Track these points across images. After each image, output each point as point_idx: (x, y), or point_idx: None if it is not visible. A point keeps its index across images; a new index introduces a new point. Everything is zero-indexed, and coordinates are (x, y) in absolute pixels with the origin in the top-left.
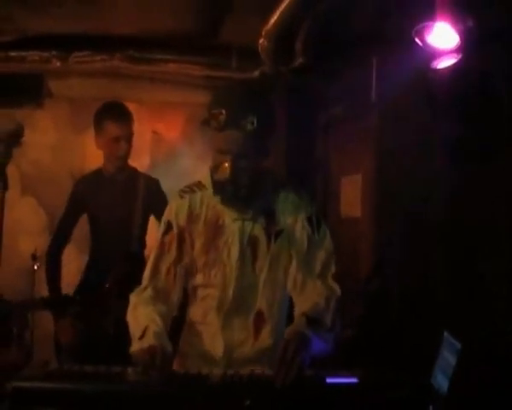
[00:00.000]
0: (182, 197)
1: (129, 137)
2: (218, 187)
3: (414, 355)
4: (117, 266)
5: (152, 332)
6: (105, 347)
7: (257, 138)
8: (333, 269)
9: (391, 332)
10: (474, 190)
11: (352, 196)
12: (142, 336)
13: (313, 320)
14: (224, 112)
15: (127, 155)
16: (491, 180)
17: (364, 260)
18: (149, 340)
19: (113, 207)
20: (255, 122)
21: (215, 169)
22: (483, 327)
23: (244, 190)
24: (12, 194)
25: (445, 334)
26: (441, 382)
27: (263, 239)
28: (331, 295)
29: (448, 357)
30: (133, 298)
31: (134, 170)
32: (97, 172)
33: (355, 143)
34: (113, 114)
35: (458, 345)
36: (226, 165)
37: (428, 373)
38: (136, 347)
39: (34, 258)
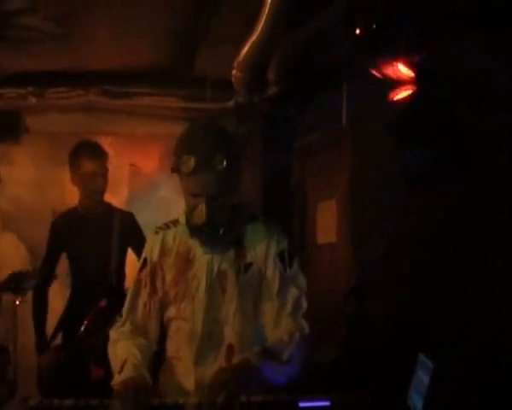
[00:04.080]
0: (157, 233)
1: (104, 173)
2: (196, 230)
3: (394, 377)
4: (96, 300)
5: (130, 365)
6: (87, 379)
7: (228, 175)
8: (304, 307)
9: (371, 354)
10: (445, 213)
11: (327, 222)
12: (120, 370)
13: (267, 351)
14: (193, 157)
15: (103, 190)
16: (456, 203)
17: (343, 285)
18: (127, 373)
19: (90, 244)
20: (224, 161)
21: (190, 212)
22: (457, 349)
23: (221, 228)
24: None
25: (420, 355)
26: (416, 402)
27: (231, 273)
28: (297, 332)
29: (422, 377)
30: (113, 333)
31: (108, 206)
32: (73, 211)
33: (329, 169)
34: (88, 151)
35: (431, 365)
36: (201, 208)
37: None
38: (115, 380)
39: (16, 293)
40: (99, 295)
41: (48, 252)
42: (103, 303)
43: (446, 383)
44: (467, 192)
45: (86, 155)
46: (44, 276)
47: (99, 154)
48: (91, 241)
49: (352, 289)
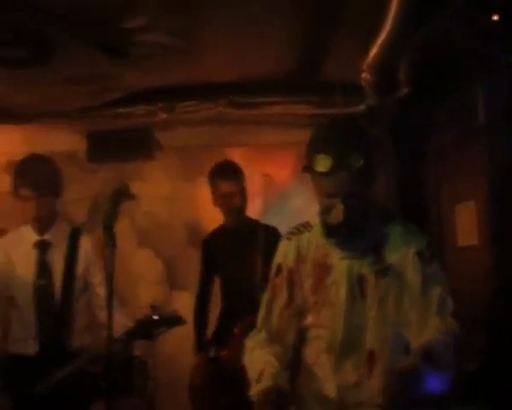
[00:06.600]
0: (289, 239)
1: (241, 192)
2: (332, 231)
3: None
4: (245, 317)
5: (268, 374)
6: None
7: (363, 174)
8: (450, 305)
9: None
10: None
11: (467, 224)
12: (258, 379)
13: (429, 356)
14: (329, 156)
15: (242, 208)
16: None
17: (484, 288)
18: (266, 382)
19: (237, 260)
20: (361, 159)
21: (326, 213)
22: None
23: (357, 228)
24: (129, 246)
25: None
26: None
27: (371, 277)
28: (449, 332)
29: None
30: (249, 342)
31: (254, 222)
32: (221, 228)
33: (465, 169)
34: (222, 171)
35: None
36: (338, 208)
37: None
38: (253, 390)
39: (153, 308)
40: (246, 310)
41: (201, 270)
42: (248, 321)
43: None
44: None
45: (220, 176)
46: (201, 294)
47: (233, 174)
48: (238, 257)
49: (498, 292)
